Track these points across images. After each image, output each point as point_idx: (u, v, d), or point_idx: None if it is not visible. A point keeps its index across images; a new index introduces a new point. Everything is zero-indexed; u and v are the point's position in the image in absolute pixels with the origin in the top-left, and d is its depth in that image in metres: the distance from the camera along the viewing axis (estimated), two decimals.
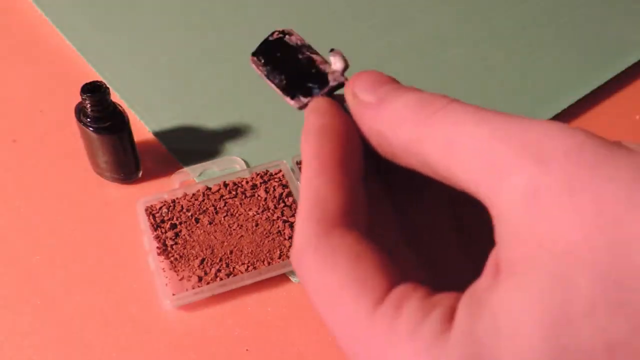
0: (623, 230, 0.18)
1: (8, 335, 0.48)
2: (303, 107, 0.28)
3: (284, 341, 0.47)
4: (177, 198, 0.54)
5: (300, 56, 0.30)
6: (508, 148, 0.20)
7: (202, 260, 0.50)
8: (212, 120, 0.61)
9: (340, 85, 0.29)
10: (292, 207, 0.53)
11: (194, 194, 0.54)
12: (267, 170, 0.56)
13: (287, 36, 0.31)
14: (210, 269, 0.50)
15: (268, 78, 0.30)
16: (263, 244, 0.51)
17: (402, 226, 0.28)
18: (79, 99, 0.52)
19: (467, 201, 0.23)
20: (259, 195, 0.54)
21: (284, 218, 0.52)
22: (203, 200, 0.54)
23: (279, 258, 0.50)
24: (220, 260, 0.50)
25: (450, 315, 0.20)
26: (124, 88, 0.64)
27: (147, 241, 0.52)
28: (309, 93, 0.29)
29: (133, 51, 0.68)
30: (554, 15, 0.72)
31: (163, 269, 0.50)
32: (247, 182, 0.55)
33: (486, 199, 0.21)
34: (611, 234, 0.18)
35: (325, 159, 0.24)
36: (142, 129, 0.61)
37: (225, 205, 0.53)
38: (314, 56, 0.30)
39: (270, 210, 0.53)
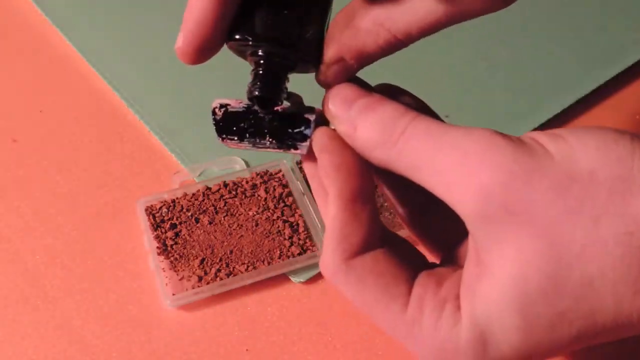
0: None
1: (8, 335, 0.48)
2: (308, 150, 0.31)
3: (284, 341, 0.47)
4: (177, 198, 0.54)
5: (258, 115, 0.32)
6: (457, 174, 0.27)
7: (202, 260, 0.50)
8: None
9: (317, 113, 0.31)
10: (292, 207, 0.53)
11: (194, 194, 0.54)
12: (267, 170, 0.56)
13: (228, 107, 0.32)
14: (210, 269, 0.50)
15: (258, 147, 0.32)
16: (263, 243, 0.51)
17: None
18: (78, 98, 0.52)
19: None
20: (259, 195, 0.54)
21: (284, 218, 0.52)
22: (203, 200, 0.54)
23: (279, 258, 0.50)
24: (220, 260, 0.50)
25: (457, 307, 0.28)
26: (124, 88, 0.64)
27: (147, 241, 0.52)
28: (303, 137, 0.31)
29: (133, 51, 0.68)
30: (554, 16, 0.72)
31: (163, 269, 0.50)
32: (247, 182, 0.55)
33: (456, 211, 0.27)
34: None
35: (347, 197, 0.29)
36: (142, 129, 0.61)
37: (225, 205, 0.53)
38: (264, 111, 0.32)
39: (270, 210, 0.53)
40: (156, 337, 0.48)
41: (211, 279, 0.49)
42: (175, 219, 0.52)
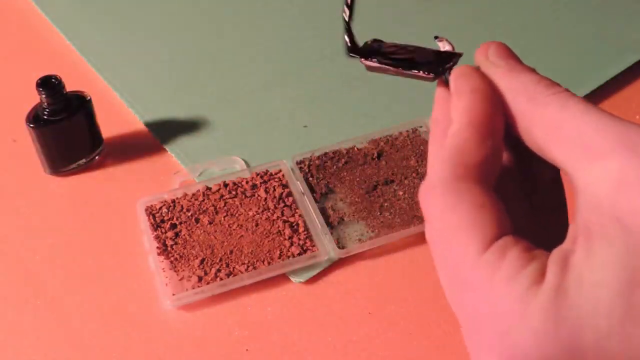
0: None
1: (8, 335, 0.48)
2: (442, 74, 0.31)
3: (284, 341, 0.47)
4: (177, 198, 0.54)
5: (408, 49, 0.32)
6: (607, 136, 0.24)
7: (202, 260, 0.50)
8: (212, 120, 0.61)
9: (459, 56, 0.32)
10: (292, 207, 0.53)
11: (194, 194, 0.54)
12: (267, 170, 0.56)
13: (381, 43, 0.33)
14: (210, 269, 0.50)
15: (397, 67, 0.32)
16: (263, 244, 0.51)
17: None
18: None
19: (546, 174, 0.28)
20: (259, 195, 0.54)
21: (284, 218, 0.52)
22: (203, 200, 0.54)
23: (279, 258, 0.50)
24: (220, 260, 0.50)
25: (542, 270, 0.24)
26: (124, 88, 0.64)
27: (147, 241, 0.52)
28: (445, 62, 0.32)
29: (133, 52, 0.68)
30: (554, 16, 0.72)
31: (163, 269, 0.50)
32: (247, 182, 0.55)
33: (574, 173, 0.25)
34: None
35: (477, 116, 0.27)
36: (143, 129, 0.61)
37: (225, 205, 0.53)
38: (418, 46, 0.32)
39: (270, 210, 0.53)
40: (156, 337, 0.48)
41: (211, 279, 0.49)
42: (175, 219, 0.52)
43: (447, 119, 0.30)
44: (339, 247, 0.51)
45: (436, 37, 0.33)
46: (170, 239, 0.51)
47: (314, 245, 0.51)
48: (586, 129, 0.25)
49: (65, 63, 0.67)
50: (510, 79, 0.28)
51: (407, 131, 0.59)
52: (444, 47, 0.33)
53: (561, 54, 0.67)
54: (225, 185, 0.54)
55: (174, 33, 0.70)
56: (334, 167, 0.56)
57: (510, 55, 0.30)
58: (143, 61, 0.67)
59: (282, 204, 0.53)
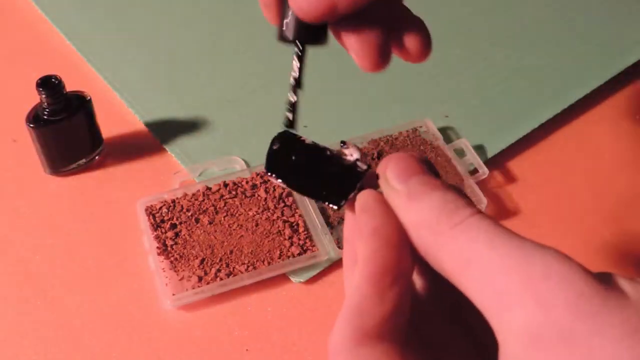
0: None
1: (8, 335, 0.48)
2: (346, 206, 0.29)
3: (284, 341, 0.47)
4: (177, 198, 0.54)
5: (314, 155, 0.31)
6: (514, 281, 0.23)
7: (202, 260, 0.50)
8: (212, 120, 0.61)
9: (368, 175, 0.30)
10: (292, 207, 0.53)
11: (194, 194, 0.54)
12: None
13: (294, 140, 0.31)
14: (210, 269, 0.50)
15: (301, 193, 0.31)
16: (263, 244, 0.51)
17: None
18: None
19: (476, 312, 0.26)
20: (259, 195, 0.54)
21: (284, 218, 0.52)
22: (203, 200, 0.54)
23: (279, 258, 0.50)
24: (220, 260, 0.50)
25: None
26: (124, 88, 0.64)
27: (147, 241, 0.51)
28: (344, 194, 0.29)
29: (133, 52, 0.68)
30: (554, 16, 0.72)
31: (163, 269, 0.50)
32: (247, 182, 0.55)
33: (492, 322, 0.24)
34: None
35: (377, 267, 0.26)
36: (143, 130, 0.61)
37: (225, 205, 0.53)
38: (329, 152, 0.30)
39: (270, 210, 0.53)
40: (156, 337, 0.48)
41: (211, 279, 0.49)
42: (175, 219, 0.52)
43: (355, 241, 0.28)
44: (339, 247, 0.51)
45: (343, 143, 0.31)
46: (170, 239, 0.51)
47: (314, 245, 0.51)
48: (492, 269, 0.23)
49: (65, 63, 0.67)
50: (410, 210, 0.26)
51: (407, 131, 0.59)
52: (350, 154, 0.30)
53: (561, 54, 0.67)
54: (225, 185, 0.54)
55: (174, 33, 0.70)
56: None
57: (412, 172, 0.27)
58: (143, 61, 0.67)
59: (282, 204, 0.53)
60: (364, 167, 0.30)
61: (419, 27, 0.34)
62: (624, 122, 0.62)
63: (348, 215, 0.30)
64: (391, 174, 0.28)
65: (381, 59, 0.32)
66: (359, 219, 0.27)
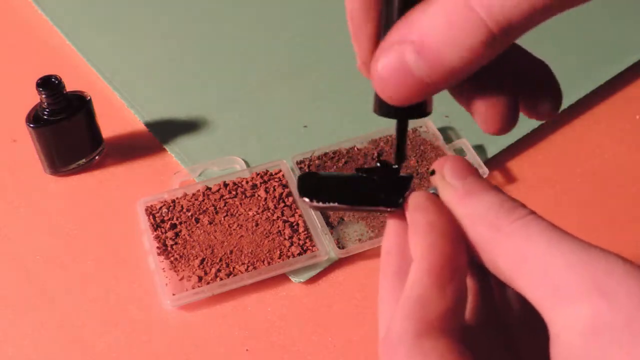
0: None
1: (8, 335, 0.48)
2: (400, 206, 0.29)
3: (284, 341, 0.47)
4: (177, 198, 0.54)
5: (345, 175, 0.31)
6: (576, 276, 0.23)
7: (202, 260, 0.50)
8: (212, 120, 0.61)
9: (411, 180, 0.30)
10: (292, 207, 0.53)
11: (194, 194, 0.54)
12: (267, 170, 0.56)
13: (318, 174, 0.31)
14: (210, 269, 0.50)
15: (352, 206, 0.30)
16: (263, 244, 0.51)
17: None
18: None
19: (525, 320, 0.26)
20: (259, 195, 0.54)
21: (284, 218, 0.52)
22: (203, 200, 0.54)
23: (279, 258, 0.50)
24: (220, 260, 0.50)
25: None
26: (124, 89, 0.64)
27: (147, 241, 0.51)
28: (395, 198, 0.29)
29: (133, 52, 0.68)
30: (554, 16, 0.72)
31: (163, 269, 0.50)
32: (247, 182, 0.55)
33: (547, 316, 0.24)
34: None
35: (436, 260, 0.26)
36: (143, 130, 0.61)
37: (225, 205, 0.53)
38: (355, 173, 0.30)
39: (270, 210, 0.53)
40: (156, 337, 0.48)
41: (211, 279, 0.49)
42: (175, 219, 0.52)
43: (401, 252, 0.29)
44: (339, 247, 0.51)
45: (379, 155, 0.31)
46: (170, 239, 0.51)
47: (314, 245, 0.51)
48: (554, 265, 0.24)
49: (65, 63, 0.67)
50: (468, 204, 0.26)
51: (407, 131, 0.58)
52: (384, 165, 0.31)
53: (561, 54, 0.67)
54: (225, 185, 0.54)
55: (174, 33, 0.70)
56: (334, 167, 0.56)
57: (468, 172, 0.28)
58: (143, 61, 0.67)
59: (282, 204, 0.53)
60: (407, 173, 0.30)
61: (550, 81, 0.32)
62: (624, 122, 0.62)
63: (390, 225, 0.30)
64: (449, 171, 0.28)
65: (509, 124, 0.30)
66: (413, 217, 0.28)
